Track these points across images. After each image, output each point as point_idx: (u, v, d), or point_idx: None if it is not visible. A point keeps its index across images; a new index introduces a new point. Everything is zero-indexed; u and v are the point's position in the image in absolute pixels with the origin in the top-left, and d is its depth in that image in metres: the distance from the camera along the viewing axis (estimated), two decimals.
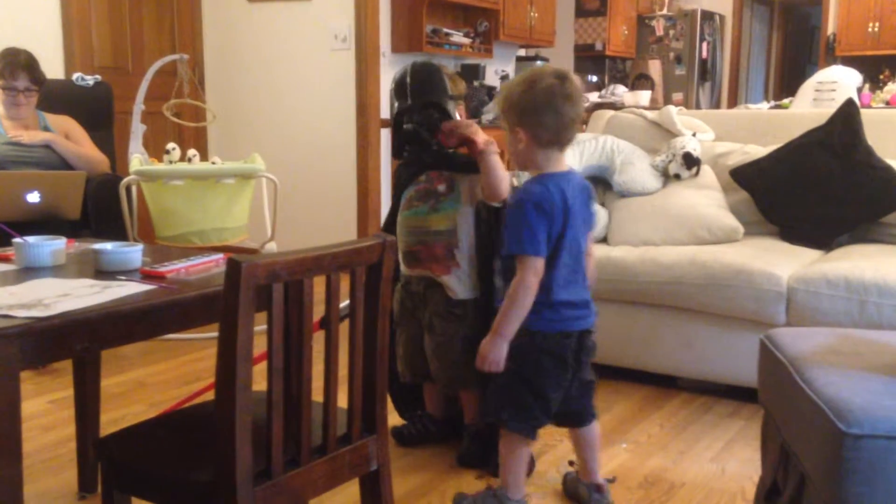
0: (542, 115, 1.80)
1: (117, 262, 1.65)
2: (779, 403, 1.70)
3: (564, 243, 1.84)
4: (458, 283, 2.18)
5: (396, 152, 2.20)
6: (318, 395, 1.39)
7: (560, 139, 1.84)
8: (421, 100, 2.12)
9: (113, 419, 2.53)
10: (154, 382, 3.00)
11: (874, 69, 7.93)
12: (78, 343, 1.36)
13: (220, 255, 1.80)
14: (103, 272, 1.65)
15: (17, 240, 1.70)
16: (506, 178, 2.10)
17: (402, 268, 2.26)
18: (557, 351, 1.90)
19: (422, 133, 2.09)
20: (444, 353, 2.21)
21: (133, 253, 1.67)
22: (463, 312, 2.19)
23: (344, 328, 1.43)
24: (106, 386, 2.87)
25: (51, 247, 1.70)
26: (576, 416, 2.04)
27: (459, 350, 2.17)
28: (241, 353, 1.20)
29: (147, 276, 1.61)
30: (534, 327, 1.86)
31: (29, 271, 1.66)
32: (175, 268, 1.66)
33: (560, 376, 1.93)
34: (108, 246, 1.69)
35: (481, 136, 2.08)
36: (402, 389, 2.45)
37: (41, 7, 4.25)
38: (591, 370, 2.05)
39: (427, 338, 2.24)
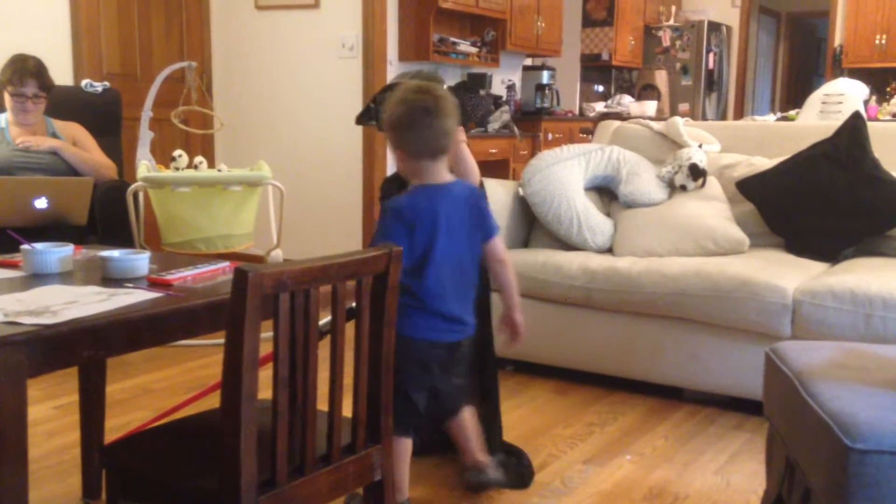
0: (405, 129, 1.84)
1: (124, 270, 1.65)
2: (784, 417, 1.70)
3: (434, 256, 1.82)
4: None
5: (358, 119, 2.27)
6: (322, 404, 1.39)
7: (426, 151, 1.84)
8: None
9: (118, 425, 2.54)
10: (159, 389, 3.01)
11: (881, 81, 7.92)
12: (85, 350, 1.37)
13: (227, 263, 1.80)
14: (110, 279, 1.65)
15: (24, 246, 1.71)
16: (474, 169, 2.12)
17: None
18: (423, 358, 1.89)
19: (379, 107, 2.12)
20: None
21: (140, 260, 1.68)
22: None
23: (350, 338, 1.44)
24: (111, 392, 2.87)
25: (58, 254, 1.71)
26: (451, 413, 2.02)
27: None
28: (247, 362, 1.20)
29: (154, 284, 1.61)
30: (404, 332, 1.78)
31: (36, 278, 1.67)
32: (182, 275, 1.66)
33: (423, 381, 1.90)
34: (115, 253, 1.70)
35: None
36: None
37: (50, 13, 4.28)
38: (465, 374, 2.01)
39: None
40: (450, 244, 1.84)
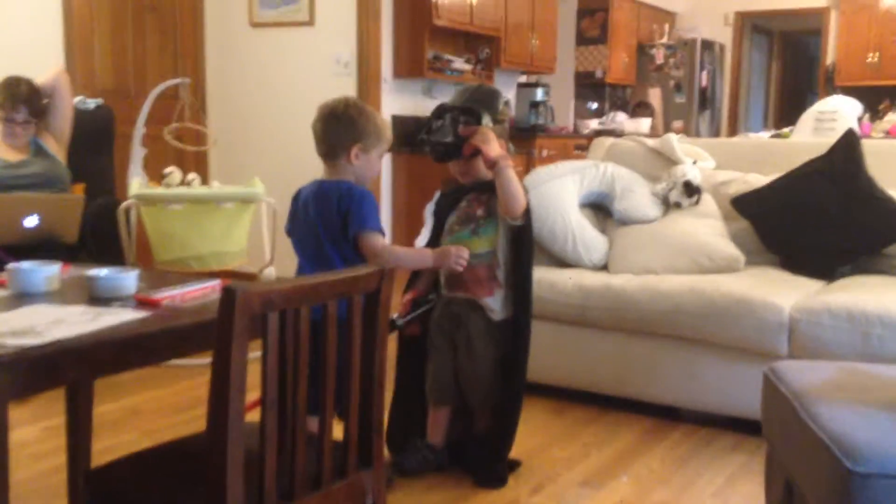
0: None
1: (112, 289, 1.62)
2: (783, 438, 1.67)
3: (292, 240, 2.17)
4: (499, 304, 2.32)
5: (424, 135, 2.36)
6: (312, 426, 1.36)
7: (319, 152, 2.14)
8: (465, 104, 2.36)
9: (106, 447, 2.48)
10: (148, 410, 2.96)
11: (874, 99, 7.95)
12: (70, 372, 1.33)
13: (217, 282, 1.77)
14: (97, 298, 1.62)
15: (10, 265, 1.68)
16: (519, 194, 2.22)
17: (444, 290, 2.37)
18: None
19: (445, 127, 2.26)
20: (483, 373, 2.33)
21: (127, 279, 1.65)
22: (501, 335, 2.32)
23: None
24: (100, 413, 2.82)
25: (44, 272, 1.68)
26: None
27: (493, 371, 2.32)
28: (234, 384, 1.17)
29: (141, 303, 1.58)
30: None
31: (22, 297, 1.64)
32: (170, 294, 1.63)
33: None
34: (102, 272, 1.67)
35: (494, 149, 2.21)
36: (397, 417, 2.43)
37: (44, 29, 4.27)
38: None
39: (464, 359, 2.34)
40: (299, 233, 2.14)
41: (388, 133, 2.17)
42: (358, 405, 1.45)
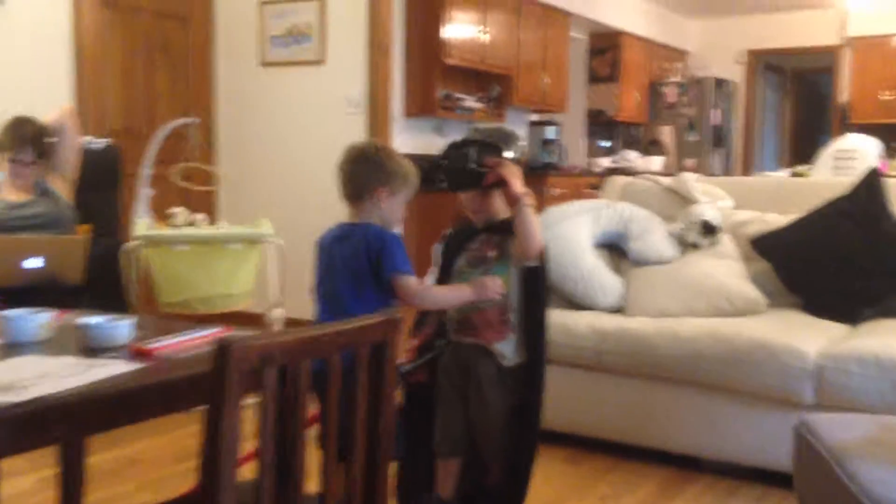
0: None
1: (104, 338, 1.54)
2: (818, 498, 1.56)
3: (316, 280, 2.11)
4: (511, 350, 2.20)
5: (441, 160, 2.29)
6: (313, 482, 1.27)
7: (344, 193, 2.13)
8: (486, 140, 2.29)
9: (101, 499, 2.40)
10: (147, 459, 2.86)
11: (889, 137, 7.88)
12: (55, 430, 1.25)
13: (218, 329, 1.69)
14: (89, 348, 1.54)
15: (1, 313, 1.61)
16: (538, 235, 2.12)
17: (452, 335, 2.25)
18: None
19: (469, 153, 2.17)
20: (495, 423, 2.20)
21: (121, 328, 1.57)
22: (513, 382, 2.19)
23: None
24: (97, 462, 2.73)
25: (36, 321, 1.60)
26: None
27: (505, 420, 2.19)
28: (226, 446, 1.08)
29: (135, 353, 1.50)
30: None
31: (12, 347, 1.56)
32: (166, 344, 1.55)
33: None
34: (94, 320, 1.59)
35: (519, 184, 2.11)
36: (404, 470, 2.33)
37: (54, 69, 4.26)
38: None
39: (475, 408, 2.22)
40: (322, 274, 2.09)
41: (415, 178, 2.15)
42: (363, 462, 1.35)
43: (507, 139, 2.32)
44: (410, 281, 2.03)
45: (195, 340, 1.59)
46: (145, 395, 1.33)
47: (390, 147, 2.18)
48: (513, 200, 2.11)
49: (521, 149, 2.45)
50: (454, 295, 2.17)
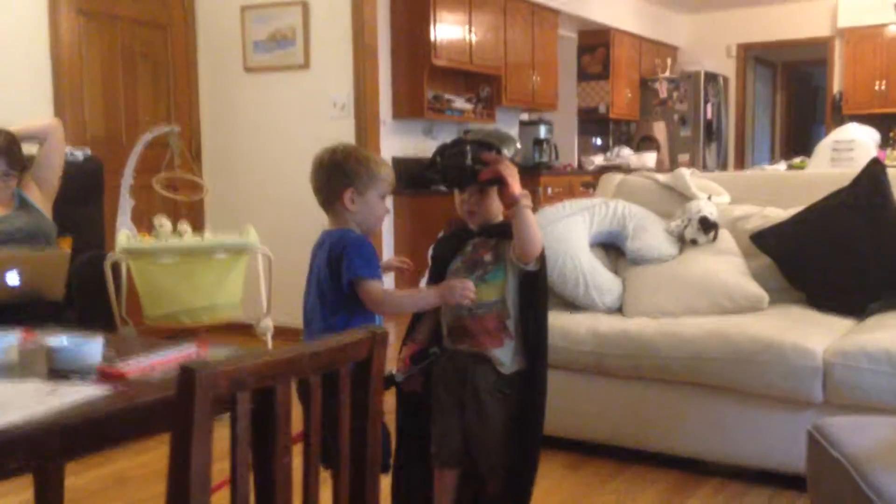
0: None
1: (72, 360, 1.45)
2: None
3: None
4: (509, 356, 2.10)
5: (430, 163, 2.19)
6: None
7: (318, 203, 2.07)
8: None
9: None
10: (135, 477, 2.76)
11: (883, 127, 7.84)
12: (12, 463, 1.15)
13: (196, 348, 1.60)
14: (57, 371, 1.45)
15: None
16: (538, 237, 2.02)
17: (447, 342, 2.15)
18: None
19: (465, 150, 2.07)
20: (493, 432, 2.10)
21: (90, 348, 1.47)
22: (512, 390, 2.10)
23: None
24: (82, 483, 2.64)
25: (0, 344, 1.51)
26: None
27: (505, 429, 2.09)
28: (195, 480, 0.99)
29: (104, 376, 1.40)
30: None
31: None
32: (139, 365, 1.45)
33: None
34: (62, 341, 1.49)
35: (517, 184, 2.01)
36: (399, 482, 2.24)
37: (32, 78, 4.16)
38: None
39: (472, 417, 2.12)
40: (309, 278, 2.03)
41: (385, 171, 2.05)
42: (349, 479, 1.26)
43: (504, 141, 2.22)
44: (372, 286, 1.94)
45: (168, 360, 1.49)
46: (112, 422, 1.23)
47: (353, 146, 2.09)
48: (511, 201, 2.00)
49: (518, 152, 2.35)
50: (417, 300, 2.09)
